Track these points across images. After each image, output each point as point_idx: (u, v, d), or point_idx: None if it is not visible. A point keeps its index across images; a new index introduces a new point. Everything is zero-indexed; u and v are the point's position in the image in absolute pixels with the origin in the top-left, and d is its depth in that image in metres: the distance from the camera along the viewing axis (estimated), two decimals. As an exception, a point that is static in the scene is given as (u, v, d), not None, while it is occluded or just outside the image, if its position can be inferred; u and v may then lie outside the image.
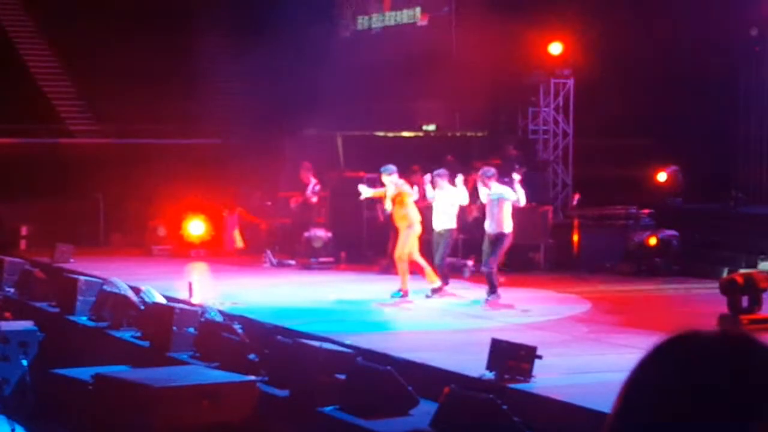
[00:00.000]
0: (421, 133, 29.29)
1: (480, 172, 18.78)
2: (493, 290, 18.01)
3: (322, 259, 23.47)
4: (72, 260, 23.50)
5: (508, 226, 18.02)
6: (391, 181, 19.08)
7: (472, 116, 28.25)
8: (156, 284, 18.84)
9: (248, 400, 12.48)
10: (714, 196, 22.95)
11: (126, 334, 16.71)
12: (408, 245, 18.71)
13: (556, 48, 24.99)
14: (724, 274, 16.73)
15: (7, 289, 20.75)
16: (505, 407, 10.69)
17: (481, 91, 26.23)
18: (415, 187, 19.10)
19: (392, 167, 19.24)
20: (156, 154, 29.40)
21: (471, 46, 26.17)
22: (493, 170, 18.58)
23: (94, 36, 30.74)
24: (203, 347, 14.94)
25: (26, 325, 16.37)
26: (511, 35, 24.81)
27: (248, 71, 29.31)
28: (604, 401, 10.15)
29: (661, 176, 24.08)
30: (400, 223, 18.89)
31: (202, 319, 15.83)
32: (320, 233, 23.79)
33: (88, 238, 26.83)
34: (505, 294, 18.12)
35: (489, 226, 18.13)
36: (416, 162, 22.19)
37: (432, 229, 19.22)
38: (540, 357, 12.22)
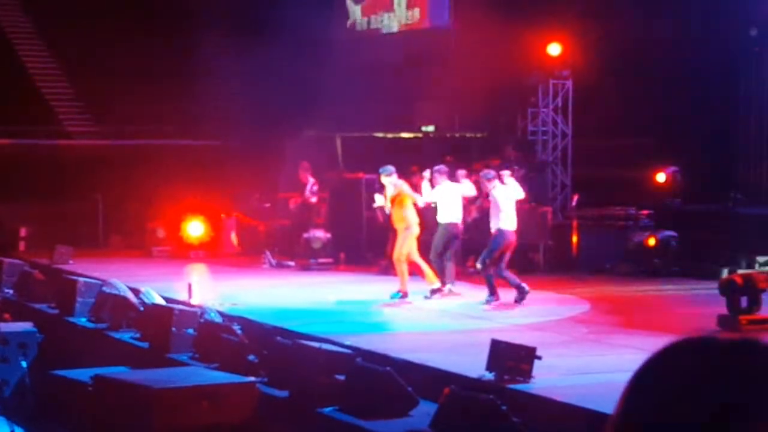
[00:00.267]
0: (420, 134, 29.31)
1: (481, 175, 18.80)
2: (491, 292, 18.02)
3: (321, 260, 23.48)
4: (71, 261, 23.50)
5: (498, 224, 18.07)
6: (390, 182, 19.07)
7: (471, 117, 28.28)
8: (155, 285, 18.84)
9: (248, 401, 12.48)
10: (713, 196, 22.95)
11: (125, 336, 16.71)
12: (406, 246, 18.71)
13: (554, 49, 24.99)
14: (724, 275, 16.72)
15: (7, 290, 20.76)
16: (504, 408, 10.70)
17: (480, 92, 26.22)
18: (425, 188, 19.06)
19: (391, 168, 19.23)
20: (155, 156, 29.41)
21: (470, 47, 26.20)
22: (492, 173, 18.60)
23: (93, 37, 30.75)
24: (202, 348, 14.94)
25: (25, 326, 16.37)
26: (510, 36, 24.82)
27: (248, 72, 29.31)
28: (604, 402, 10.17)
29: (660, 177, 24.09)
30: (398, 225, 18.89)
31: (202, 320, 15.83)
32: (319, 234, 23.80)
33: (88, 240, 26.84)
34: (505, 295, 18.11)
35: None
36: (415, 163, 22.19)
37: (431, 230, 19.25)
38: (539, 358, 12.22)
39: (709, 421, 1.61)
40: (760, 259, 20.05)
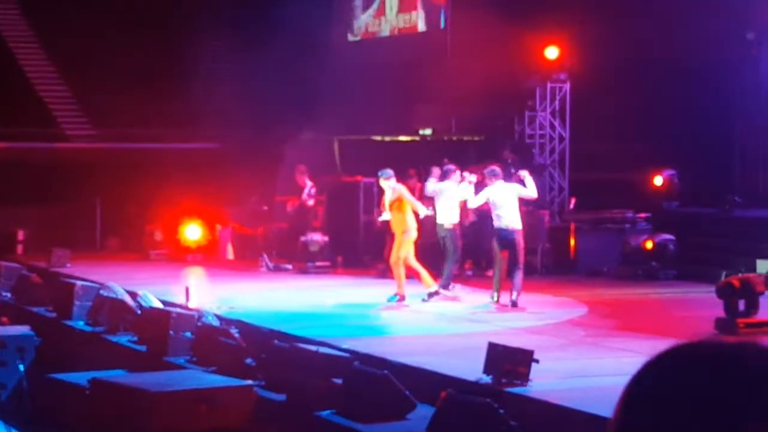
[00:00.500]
0: (417, 138, 29.31)
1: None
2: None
3: (318, 264, 23.47)
4: (69, 265, 23.48)
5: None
6: (389, 185, 19.07)
7: (469, 120, 28.28)
8: (153, 289, 18.81)
9: (245, 405, 12.48)
10: (710, 200, 22.96)
11: (123, 339, 16.70)
12: (404, 250, 18.71)
13: (552, 52, 25.00)
14: (721, 278, 16.71)
15: (4, 293, 20.75)
16: (502, 411, 10.70)
17: (478, 95, 26.22)
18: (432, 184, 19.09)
19: (389, 171, 19.22)
20: (153, 159, 29.40)
21: (467, 50, 26.21)
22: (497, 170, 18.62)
23: (91, 41, 30.74)
24: (200, 352, 14.93)
25: (23, 330, 16.35)
26: (507, 39, 24.82)
27: (245, 75, 29.33)
28: (602, 405, 10.17)
29: (658, 180, 24.10)
30: (396, 228, 18.88)
31: (199, 324, 15.81)
32: (317, 237, 23.79)
33: (85, 243, 26.85)
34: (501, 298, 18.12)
35: None
36: (413, 166, 22.20)
37: (431, 233, 19.28)
38: (537, 361, 12.22)
39: (709, 425, 1.60)
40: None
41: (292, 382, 12.86)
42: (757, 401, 1.62)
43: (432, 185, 19.14)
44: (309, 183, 24.43)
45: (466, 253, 20.99)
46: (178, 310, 16.61)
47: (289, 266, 23.75)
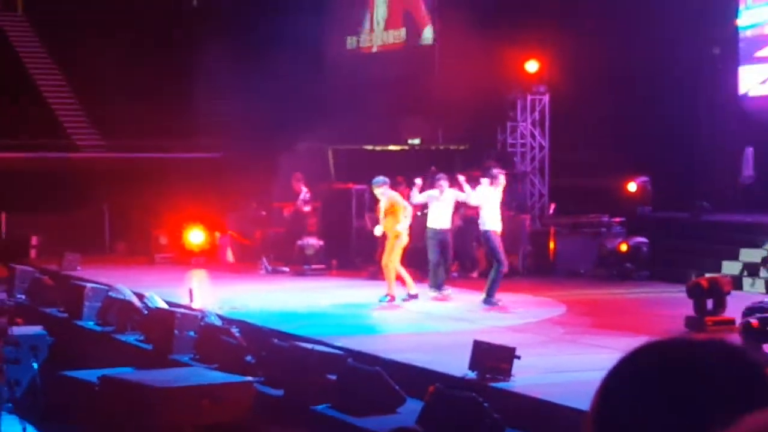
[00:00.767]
0: (406, 147, 29.32)
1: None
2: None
3: (314, 266, 23.45)
4: (79, 268, 23.43)
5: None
6: (382, 192, 19.03)
7: (454, 130, 28.30)
8: (158, 290, 18.78)
9: (245, 400, 12.47)
10: (681, 205, 22.99)
11: (130, 338, 16.69)
12: (395, 253, 18.70)
13: (532, 66, 25.01)
14: (691, 279, 16.73)
15: (19, 295, 20.71)
16: (486, 405, 10.71)
17: (463, 107, 26.26)
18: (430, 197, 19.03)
19: (382, 179, 19.17)
20: (158, 167, 29.39)
21: (453, 64, 26.23)
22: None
23: (100, 57, 30.72)
24: (203, 350, 14.92)
25: (36, 329, 16.31)
26: (490, 54, 24.85)
27: (244, 89, 29.31)
28: (581, 399, 10.16)
29: (632, 187, 24.11)
30: (389, 232, 18.85)
31: (202, 324, 15.80)
32: (312, 242, 23.77)
33: (95, 247, 26.79)
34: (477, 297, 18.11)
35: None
36: (401, 174, 22.18)
37: (421, 237, 19.28)
38: (519, 357, 12.23)
39: (680, 416, 1.62)
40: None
41: (290, 378, 12.85)
42: (724, 395, 1.63)
43: (418, 197, 18.95)
44: (304, 190, 24.41)
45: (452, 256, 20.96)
46: (183, 310, 16.58)
47: (287, 269, 23.71)
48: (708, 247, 20.87)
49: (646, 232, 21.98)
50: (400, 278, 18.74)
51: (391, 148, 29.01)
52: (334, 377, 12.45)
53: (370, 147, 28.79)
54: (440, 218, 18.86)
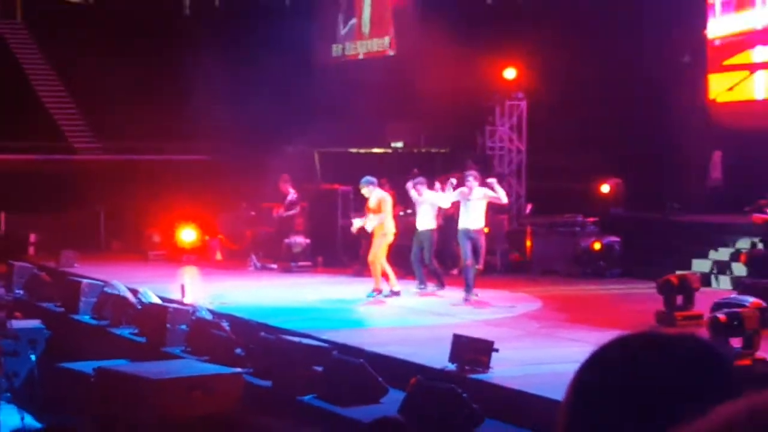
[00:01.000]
0: (389, 150, 29.32)
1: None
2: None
3: (301, 263, 23.42)
4: (76, 265, 23.35)
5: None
6: (370, 191, 18.97)
7: (436, 134, 28.34)
8: (152, 286, 18.74)
9: (235, 391, 12.44)
10: (652, 206, 23.04)
11: (125, 332, 16.65)
12: (381, 251, 18.68)
13: (510, 73, 25.05)
14: (661, 276, 16.74)
15: (17, 291, 20.64)
16: (465, 395, 10.71)
17: (444, 112, 26.30)
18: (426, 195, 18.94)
19: (370, 179, 19.14)
20: (152, 169, 29.35)
21: (435, 71, 26.23)
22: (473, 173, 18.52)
23: (96, 64, 30.68)
24: (194, 343, 14.89)
25: (34, 323, 16.29)
26: (471, 62, 24.88)
27: (234, 95, 29.32)
28: (555, 390, 10.17)
29: (605, 188, 24.15)
30: (376, 230, 18.81)
31: (194, 318, 15.77)
32: (299, 240, 23.75)
33: (91, 245, 26.69)
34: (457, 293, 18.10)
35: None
36: (385, 175, 22.17)
37: (407, 235, 19.30)
38: (497, 350, 12.24)
39: (651, 406, 1.60)
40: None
41: (278, 370, 12.83)
42: (693, 386, 1.62)
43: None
44: (292, 191, 24.38)
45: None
46: (175, 305, 16.56)
47: (275, 266, 23.69)
48: (678, 245, 20.90)
49: (619, 231, 22.01)
50: (384, 275, 18.72)
51: (375, 150, 29.01)
52: (320, 369, 12.44)
53: (354, 150, 28.78)
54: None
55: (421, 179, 19.47)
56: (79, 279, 19.47)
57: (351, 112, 27.71)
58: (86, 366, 13.43)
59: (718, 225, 21.24)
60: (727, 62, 24.40)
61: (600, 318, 15.94)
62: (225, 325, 15.20)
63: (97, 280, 19.49)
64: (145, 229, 26.68)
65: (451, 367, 12.26)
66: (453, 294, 18.47)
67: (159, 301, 17.23)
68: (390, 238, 18.76)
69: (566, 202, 23.50)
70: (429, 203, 18.92)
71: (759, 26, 23.57)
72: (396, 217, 19.32)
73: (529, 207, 24.89)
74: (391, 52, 31.52)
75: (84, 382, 12.96)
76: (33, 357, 14.84)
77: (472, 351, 12.26)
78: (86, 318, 17.97)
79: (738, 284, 18.07)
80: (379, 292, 18.59)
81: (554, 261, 22.22)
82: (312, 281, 21.56)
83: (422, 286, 19.14)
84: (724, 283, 19.48)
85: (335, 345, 13.58)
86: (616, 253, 21.69)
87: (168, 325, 15.32)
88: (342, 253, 23.79)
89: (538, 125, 24.85)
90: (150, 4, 35.34)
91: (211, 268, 24.19)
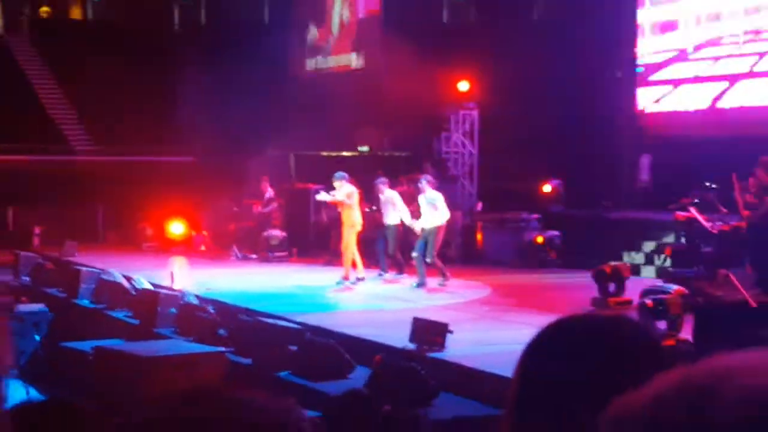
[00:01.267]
0: (357, 153, 29.28)
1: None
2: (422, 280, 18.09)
3: (278, 254, 23.38)
4: (76, 254, 23.19)
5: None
6: (341, 185, 18.95)
7: (398, 139, 28.33)
8: (144, 274, 18.67)
9: (219, 367, 12.39)
10: (587, 204, 23.15)
11: (120, 314, 16.55)
12: (351, 241, 18.65)
13: (463, 85, 25.10)
14: (596, 266, 16.82)
15: (24, 278, 20.49)
16: (423, 372, 10.73)
17: (405, 120, 26.31)
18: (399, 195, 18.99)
19: (343, 174, 19.11)
20: (145, 169, 29.21)
21: (397, 83, 26.24)
22: (425, 179, 18.58)
23: (94, 72, 30.52)
24: (182, 324, 14.83)
25: (39, 307, 16.18)
26: (429, 76, 24.89)
27: (218, 102, 29.24)
28: (505, 366, 10.19)
29: (547, 188, 24.24)
30: (345, 222, 18.76)
31: (182, 302, 15.71)
32: (276, 233, 23.71)
33: (90, 237, 26.54)
34: (418, 281, 18.12)
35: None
36: (353, 176, 22.15)
37: (374, 227, 19.35)
38: (451, 332, 12.26)
39: (589, 379, 1.62)
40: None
41: (257, 349, 12.81)
42: (626, 361, 1.64)
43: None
44: (270, 190, 24.35)
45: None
46: (165, 291, 16.49)
47: (254, 256, 23.63)
48: (610, 239, 21.01)
49: (559, 226, 22.10)
50: (353, 263, 18.70)
51: (345, 154, 28.96)
52: (294, 348, 12.42)
53: (326, 153, 28.72)
54: (388, 214, 18.92)
55: (383, 179, 19.47)
56: (79, 267, 19.34)
57: (323, 119, 27.71)
58: (85, 345, 13.36)
59: (645, 221, 21.37)
60: (652, 78, 24.58)
61: (542, 303, 16.00)
62: (210, 308, 15.16)
63: (96, 268, 19.36)
64: (138, 223, 26.56)
65: (411, 346, 12.28)
66: (411, 281, 18.48)
67: (151, 287, 17.14)
68: (358, 228, 18.76)
69: (513, 201, 23.57)
70: (390, 202, 19.00)
71: (681, 46, 23.80)
72: (363, 212, 19.31)
73: (479, 205, 24.94)
74: (359, 66, 31.53)
75: (83, 359, 12.89)
76: (37, 337, 14.77)
77: (429, 332, 12.28)
78: (85, 302, 17.85)
79: (663, 274, 18.20)
80: (347, 279, 18.58)
81: (502, 253, 22.27)
82: (287, 270, 21.52)
83: (383, 273, 19.21)
84: (650, 272, 19.61)
85: (308, 327, 13.57)
86: (556, 245, 21.77)
87: (159, 309, 15.25)
88: (314, 245, 23.77)
89: (488, 132, 24.91)
90: (143, 21, 35.20)
91: (198, 258, 24.11)
